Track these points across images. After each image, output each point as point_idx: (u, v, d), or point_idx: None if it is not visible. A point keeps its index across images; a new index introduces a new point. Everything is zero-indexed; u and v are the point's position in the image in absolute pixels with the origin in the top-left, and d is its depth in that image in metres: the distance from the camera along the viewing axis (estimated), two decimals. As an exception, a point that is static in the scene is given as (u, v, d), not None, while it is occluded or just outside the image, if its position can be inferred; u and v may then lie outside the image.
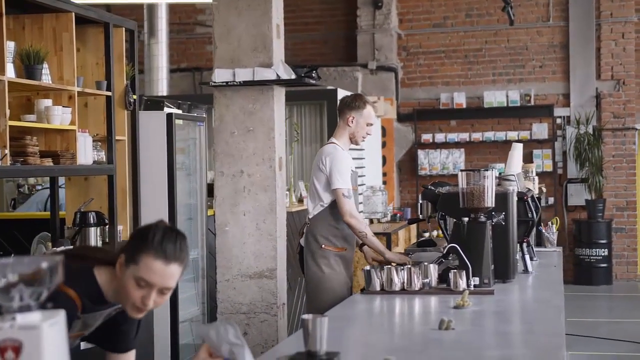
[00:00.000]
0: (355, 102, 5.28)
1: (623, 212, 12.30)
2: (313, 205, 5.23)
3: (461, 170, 4.45)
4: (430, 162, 12.68)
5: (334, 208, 5.14)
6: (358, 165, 10.33)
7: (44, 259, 1.82)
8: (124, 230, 5.90)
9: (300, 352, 2.69)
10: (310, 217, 5.25)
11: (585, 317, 9.87)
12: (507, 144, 12.30)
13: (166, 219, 6.18)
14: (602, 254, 11.93)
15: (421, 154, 12.63)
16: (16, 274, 1.80)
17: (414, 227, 11.20)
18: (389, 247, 8.97)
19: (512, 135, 12.31)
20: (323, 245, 5.15)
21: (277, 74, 5.76)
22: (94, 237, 5.53)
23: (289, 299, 6.32)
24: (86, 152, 5.34)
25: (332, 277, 5.08)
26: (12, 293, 1.78)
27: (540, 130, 12.35)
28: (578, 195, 12.29)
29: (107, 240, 5.68)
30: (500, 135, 12.40)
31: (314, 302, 5.16)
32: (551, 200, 12.30)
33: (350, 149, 5.33)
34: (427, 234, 11.91)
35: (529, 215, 4.99)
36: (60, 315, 1.81)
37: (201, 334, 2.47)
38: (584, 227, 12.03)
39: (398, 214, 11.22)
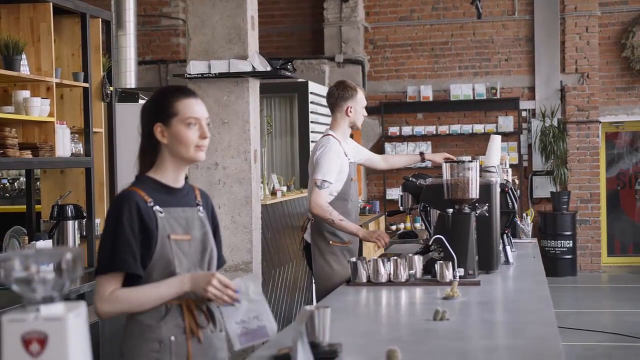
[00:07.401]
0: (348, 91, 5.32)
1: (587, 204, 12.45)
2: None
3: (445, 161, 4.47)
4: (397, 154, 12.70)
5: (339, 201, 5.09)
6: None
7: (67, 250, 1.80)
8: (101, 224, 5.84)
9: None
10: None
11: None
12: (473, 137, 12.40)
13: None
14: (567, 246, 12.08)
15: (388, 146, 12.66)
16: (39, 265, 1.78)
17: (382, 219, 11.25)
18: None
19: (479, 128, 12.38)
20: (331, 242, 5.11)
21: (253, 66, 5.73)
22: (72, 230, 5.45)
23: (263, 292, 6.29)
24: (64, 145, 5.27)
25: (342, 273, 4.98)
26: (34, 284, 1.76)
27: (506, 123, 12.45)
28: (543, 188, 12.41)
29: (84, 233, 5.61)
30: (467, 128, 12.47)
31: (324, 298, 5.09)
32: (517, 192, 12.39)
33: None
34: (402, 226, 11.97)
35: (510, 206, 5.02)
36: (82, 307, 1.80)
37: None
38: (549, 219, 12.16)
39: (367, 207, 11.27)
